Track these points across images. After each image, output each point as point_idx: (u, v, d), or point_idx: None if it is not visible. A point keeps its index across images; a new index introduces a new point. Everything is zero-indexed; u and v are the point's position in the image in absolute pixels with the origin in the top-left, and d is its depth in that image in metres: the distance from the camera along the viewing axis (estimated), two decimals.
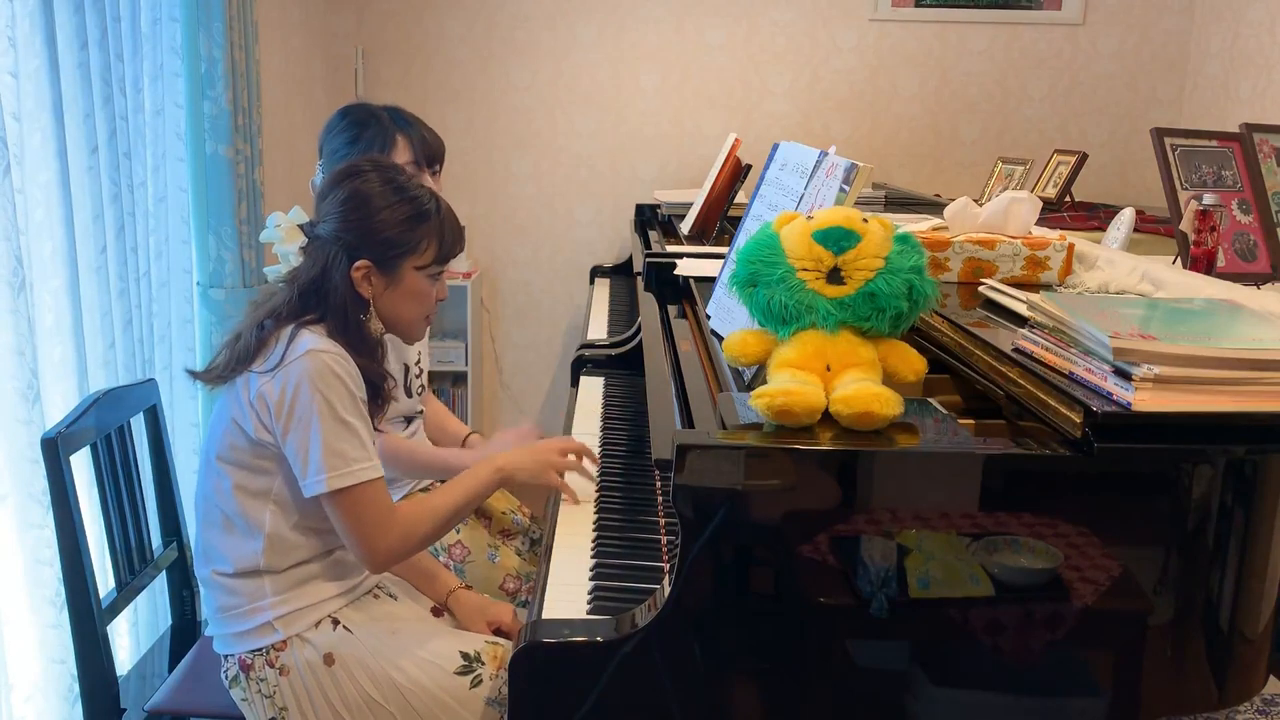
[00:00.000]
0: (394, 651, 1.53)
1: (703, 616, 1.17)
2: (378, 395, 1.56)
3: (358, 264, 1.52)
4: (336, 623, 1.54)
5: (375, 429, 1.58)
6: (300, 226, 1.57)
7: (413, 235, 1.54)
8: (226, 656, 1.55)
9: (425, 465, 1.99)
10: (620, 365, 2.34)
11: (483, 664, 1.54)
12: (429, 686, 1.51)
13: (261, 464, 1.50)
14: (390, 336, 2.00)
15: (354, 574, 1.61)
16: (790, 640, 1.17)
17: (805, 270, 1.22)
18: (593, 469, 1.73)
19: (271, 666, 1.51)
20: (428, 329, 1.71)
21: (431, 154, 1.99)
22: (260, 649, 1.52)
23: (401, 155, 1.94)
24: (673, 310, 2.12)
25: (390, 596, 1.67)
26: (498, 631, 1.68)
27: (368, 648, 1.52)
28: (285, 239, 1.59)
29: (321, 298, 1.52)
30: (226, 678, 1.55)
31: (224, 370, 1.52)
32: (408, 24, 4.07)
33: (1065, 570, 1.15)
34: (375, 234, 1.52)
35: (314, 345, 1.47)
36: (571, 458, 1.68)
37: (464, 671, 1.53)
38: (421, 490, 2.05)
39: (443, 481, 1.99)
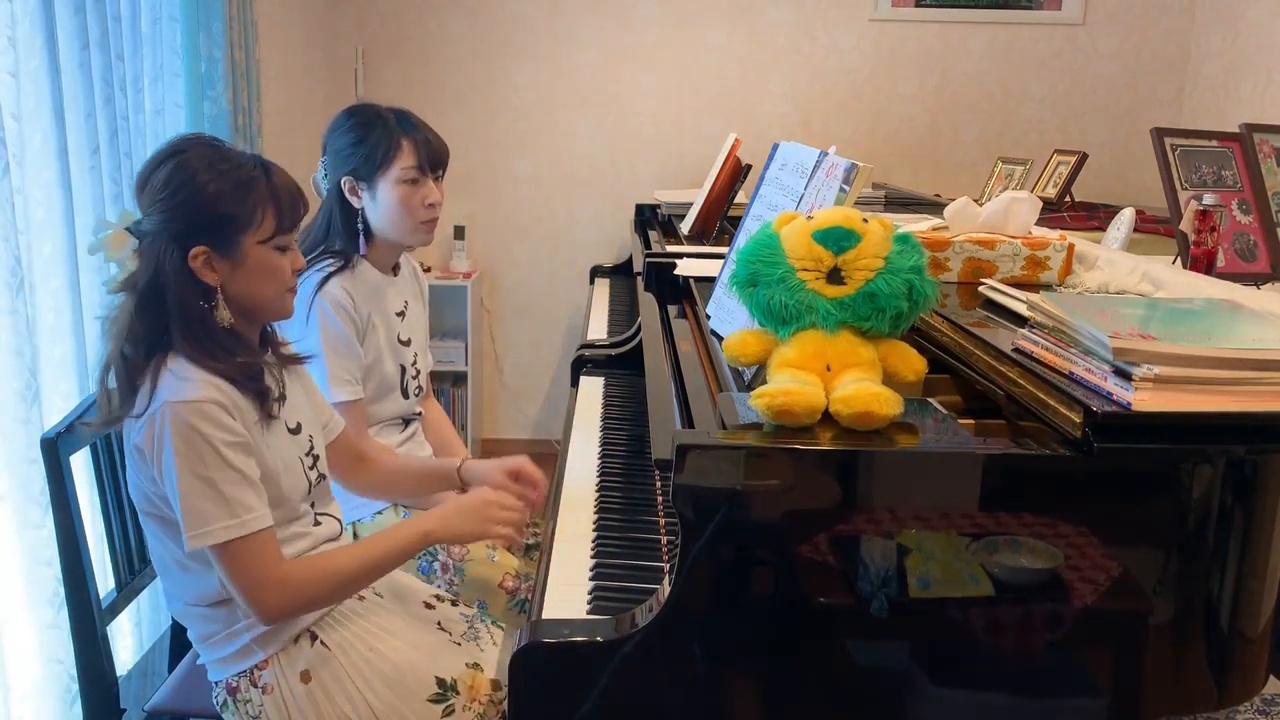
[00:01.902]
0: (370, 672, 1.51)
1: (703, 616, 1.17)
2: (260, 390, 1.44)
3: (193, 251, 1.38)
4: (315, 637, 1.51)
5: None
6: (127, 228, 1.42)
7: (244, 207, 1.40)
8: (216, 683, 1.54)
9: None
10: (620, 365, 2.34)
11: (457, 694, 1.53)
12: (402, 711, 1.50)
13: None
14: (387, 344, 2.00)
15: None
16: (790, 640, 1.17)
17: (805, 270, 1.22)
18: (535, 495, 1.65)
19: (255, 686, 1.49)
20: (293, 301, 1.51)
21: (436, 159, 1.97)
22: (243, 671, 1.50)
23: (406, 159, 1.93)
24: (673, 310, 2.12)
25: (378, 595, 1.63)
26: (521, 475, 1.63)
27: (344, 666, 1.50)
28: (112, 248, 1.41)
29: (160, 299, 1.39)
30: (217, 704, 1.54)
31: (109, 419, 1.43)
32: (408, 24, 4.08)
33: (1065, 570, 1.15)
34: (203, 213, 1.38)
35: (172, 395, 1.35)
36: (512, 514, 1.56)
37: (437, 700, 1.52)
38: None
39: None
